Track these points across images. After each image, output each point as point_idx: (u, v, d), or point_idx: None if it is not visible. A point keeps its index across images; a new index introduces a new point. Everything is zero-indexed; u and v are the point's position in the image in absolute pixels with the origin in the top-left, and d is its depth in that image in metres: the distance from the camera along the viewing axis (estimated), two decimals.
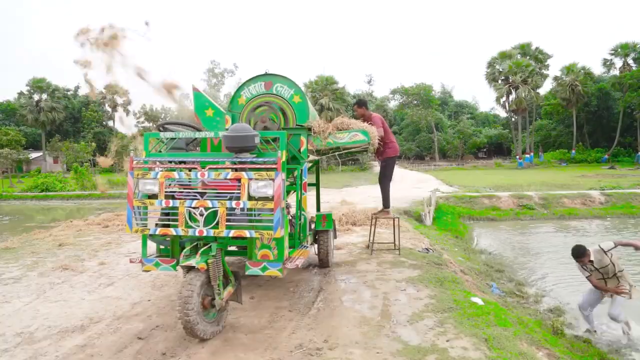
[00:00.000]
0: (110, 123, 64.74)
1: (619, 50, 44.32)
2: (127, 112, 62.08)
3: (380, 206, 7.08)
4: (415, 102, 57.10)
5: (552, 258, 9.71)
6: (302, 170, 4.71)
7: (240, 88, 5.46)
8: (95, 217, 12.19)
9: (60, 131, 58.32)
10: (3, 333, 3.94)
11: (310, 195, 5.85)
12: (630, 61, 44.30)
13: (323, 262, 5.92)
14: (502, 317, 4.36)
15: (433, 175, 31.08)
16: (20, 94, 58.21)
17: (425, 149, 60.66)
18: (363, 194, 16.95)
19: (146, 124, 70.89)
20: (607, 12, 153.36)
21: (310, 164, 6.00)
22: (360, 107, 6.47)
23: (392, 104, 62.48)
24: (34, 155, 54.81)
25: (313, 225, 5.99)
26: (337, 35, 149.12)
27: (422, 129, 60.33)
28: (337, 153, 5.95)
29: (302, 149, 4.90)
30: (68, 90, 62.92)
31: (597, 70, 48.17)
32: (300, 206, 4.91)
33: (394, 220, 7.05)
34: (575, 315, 6.26)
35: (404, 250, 6.99)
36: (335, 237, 6.58)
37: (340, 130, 5.34)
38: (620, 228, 12.85)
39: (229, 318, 4.02)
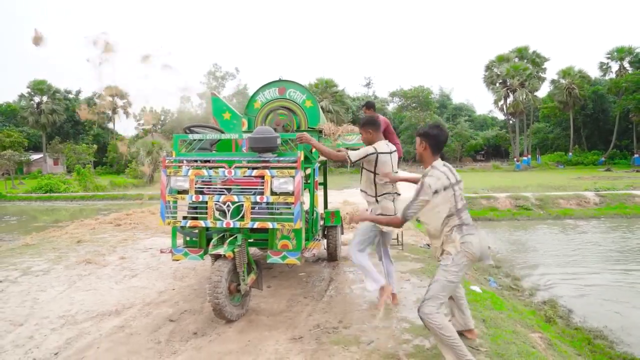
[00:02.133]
0: (110, 125, 65.14)
1: (615, 54, 44.87)
2: (127, 114, 62.57)
3: None
4: (414, 104, 57.61)
5: (547, 255, 10.16)
6: (314, 169, 5.12)
7: (255, 93, 5.89)
8: (105, 217, 12.57)
9: (61, 133, 58.69)
10: (47, 316, 4.35)
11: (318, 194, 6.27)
12: (626, 65, 44.86)
13: (332, 256, 6.33)
14: (498, 303, 4.78)
15: None
16: (21, 95, 58.53)
17: None
18: None
19: (146, 126, 71.36)
20: (603, 16, 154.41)
21: (319, 165, 6.42)
22: (369, 108, 6.83)
23: (391, 107, 62.95)
24: (34, 157, 55.09)
25: (322, 222, 6.40)
26: (336, 38, 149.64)
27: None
28: None
29: (313, 150, 5.31)
30: (69, 92, 63.29)
31: (594, 73, 48.84)
32: (312, 203, 5.32)
33: None
34: (569, 307, 6.71)
35: (406, 246, 7.41)
36: (342, 232, 6.98)
37: (349, 132, 5.77)
38: (614, 227, 13.30)
39: (250, 304, 4.42)
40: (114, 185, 33.78)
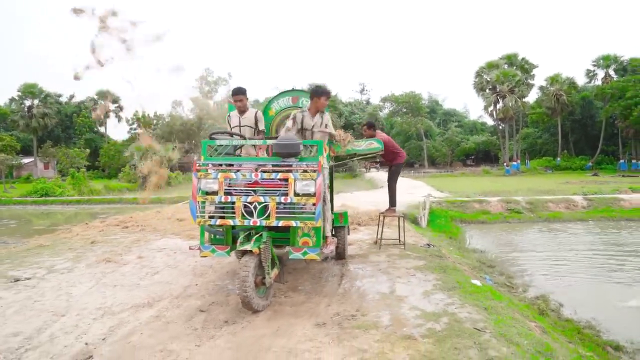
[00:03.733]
0: (102, 129, 65.07)
1: (601, 61, 46.07)
2: (119, 118, 62.59)
3: (380, 208, 7.94)
4: (405, 110, 58.38)
5: (539, 256, 10.66)
6: (331, 172, 5.56)
7: (270, 101, 6.34)
8: (111, 219, 12.87)
9: (52, 137, 58.52)
10: (85, 307, 4.71)
11: None
12: (611, 72, 46.01)
13: (340, 255, 6.75)
14: (497, 295, 5.23)
15: (423, 181, 32.04)
16: (12, 99, 58.32)
17: (414, 156, 61.92)
18: (359, 200, 17.78)
19: (139, 130, 71.27)
20: (590, 25, 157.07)
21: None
22: (370, 128, 7.27)
23: (383, 112, 63.67)
24: (25, 160, 54.90)
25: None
26: (330, 44, 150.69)
27: (411, 137, 61.56)
28: (352, 159, 6.80)
29: (324, 155, 5.74)
30: (59, 95, 63.10)
31: (581, 80, 49.94)
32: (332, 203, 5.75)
33: (398, 219, 7.96)
34: (559, 301, 7.19)
35: (408, 245, 7.85)
36: (348, 233, 7.41)
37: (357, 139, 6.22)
38: (601, 229, 13.88)
39: (273, 297, 4.82)
40: (108, 189, 33.96)
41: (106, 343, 3.80)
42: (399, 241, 7.85)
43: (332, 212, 7.31)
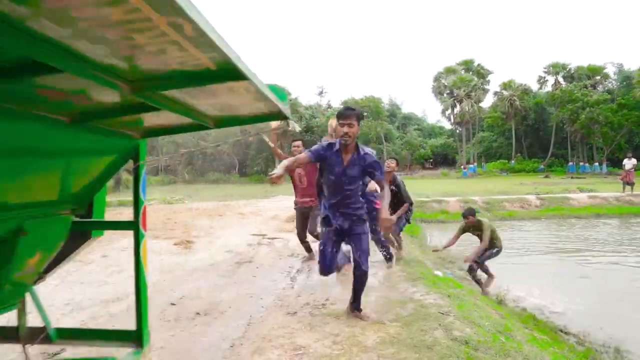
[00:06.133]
0: None
1: (551, 68, 48.17)
2: None
3: None
4: (365, 113, 59.10)
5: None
6: None
7: None
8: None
9: None
10: (53, 304, 4.64)
11: None
12: (560, 79, 48.22)
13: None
14: (458, 284, 5.51)
15: None
16: None
17: None
18: None
19: None
20: (541, 33, 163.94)
21: None
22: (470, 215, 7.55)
23: None
24: None
25: None
26: (289, 46, 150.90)
27: (372, 140, 62.37)
28: None
29: None
30: None
31: (534, 86, 52.09)
32: None
33: None
34: (515, 292, 7.58)
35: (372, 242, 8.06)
36: None
37: None
38: (553, 226, 14.62)
39: (239, 290, 4.91)
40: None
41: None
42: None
43: None
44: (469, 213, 7.59)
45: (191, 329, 3.89)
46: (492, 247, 7.39)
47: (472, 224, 7.51)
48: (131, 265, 6.46)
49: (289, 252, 7.42)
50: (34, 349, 3.49)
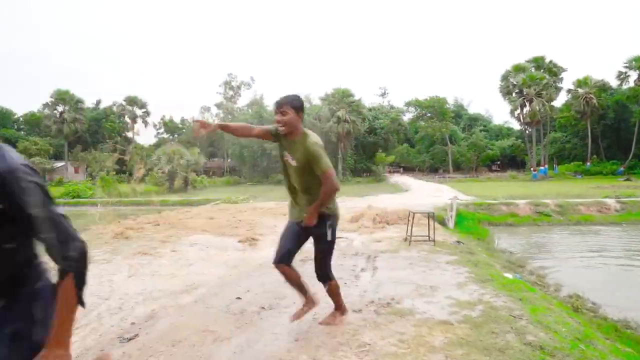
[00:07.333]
0: (130, 134, 66.40)
1: (633, 62, 44.89)
2: (146, 123, 63.94)
3: (408, 208, 7.96)
4: (429, 114, 57.94)
5: (570, 257, 10.50)
6: None
7: None
8: (143, 218, 13.18)
9: (80, 142, 59.93)
10: (127, 293, 4.89)
11: None
12: None
13: None
14: (530, 287, 5.22)
15: (449, 185, 31.81)
16: (45, 105, 59.95)
17: (439, 161, 61.39)
18: (386, 201, 17.79)
19: (165, 135, 72.69)
20: (618, 27, 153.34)
21: None
22: None
23: (407, 117, 63.34)
24: (57, 164, 56.46)
25: None
26: (352, 48, 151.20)
27: (436, 142, 61.08)
28: None
29: None
30: (80, 101, 63.65)
31: (613, 83, 48.82)
32: None
33: (428, 217, 7.98)
34: (593, 300, 7.08)
35: (437, 242, 7.85)
36: None
37: None
38: (636, 234, 13.58)
39: None
40: (135, 193, 34.67)
41: (150, 323, 3.95)
42: (429, 238, 7.86)
43: None
44: None
45: (256, 323, 3.93)
46: None
47: None
48: (199, 260, 6.69)
49: (353, 251, 7.37)
50: (110, 333, 3.68)
